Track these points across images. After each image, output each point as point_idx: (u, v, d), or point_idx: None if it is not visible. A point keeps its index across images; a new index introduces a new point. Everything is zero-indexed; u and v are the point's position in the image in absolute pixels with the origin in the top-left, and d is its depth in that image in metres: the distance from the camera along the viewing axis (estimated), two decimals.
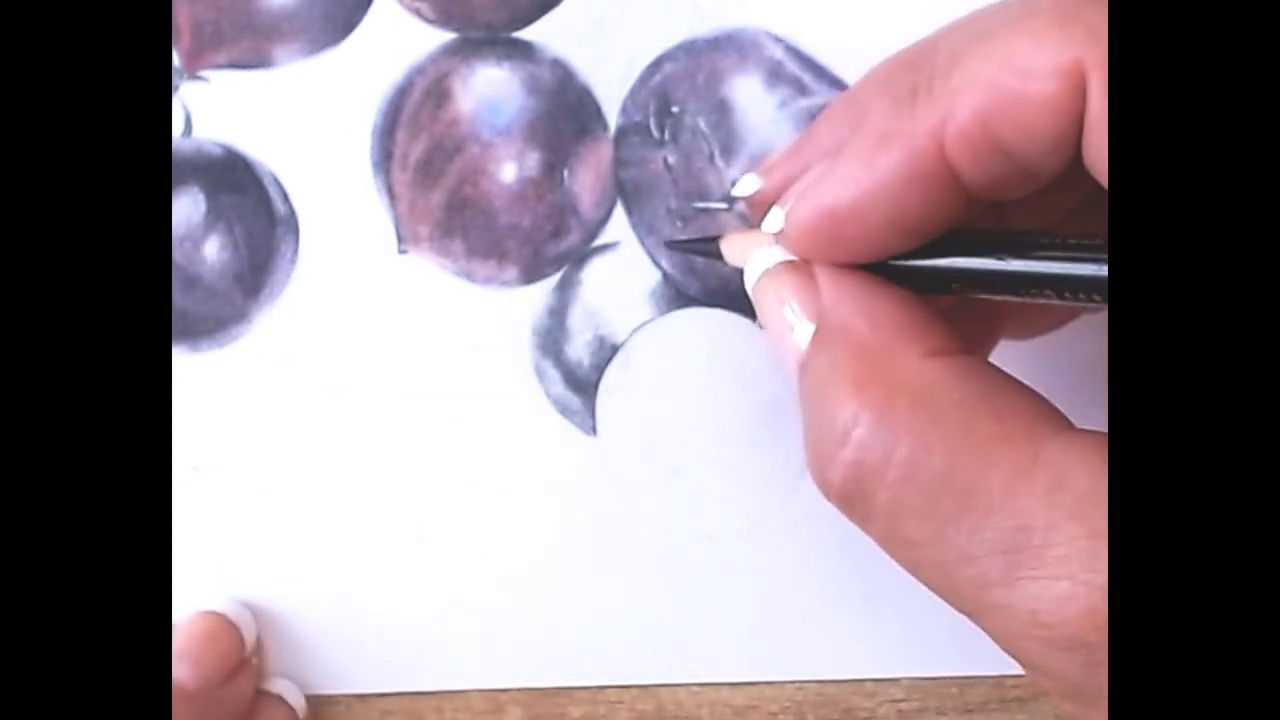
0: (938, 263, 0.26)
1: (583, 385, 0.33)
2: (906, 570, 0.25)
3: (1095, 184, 0.24)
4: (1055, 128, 0.23)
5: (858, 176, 0.25)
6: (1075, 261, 0.24)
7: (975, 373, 0.24)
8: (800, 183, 0.27)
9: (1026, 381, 0.25)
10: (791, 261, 0.27)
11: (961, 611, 0.24)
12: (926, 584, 0.24)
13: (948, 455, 0.23)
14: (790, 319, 0.26)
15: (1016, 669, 0.25)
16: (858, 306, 0.26)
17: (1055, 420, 0.24)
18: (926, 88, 0.25)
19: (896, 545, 0.24)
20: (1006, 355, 0.30)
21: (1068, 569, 0.22)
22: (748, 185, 0.29)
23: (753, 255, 0.28)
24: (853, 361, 0.25)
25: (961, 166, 0.25)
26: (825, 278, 0.26)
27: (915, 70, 0.26)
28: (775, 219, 0.27)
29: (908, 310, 0.25)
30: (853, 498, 0.25)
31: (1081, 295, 0.24)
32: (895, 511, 0.24)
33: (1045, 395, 0.24)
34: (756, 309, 0.28)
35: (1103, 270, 0.23)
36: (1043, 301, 0.25)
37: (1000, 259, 0.25)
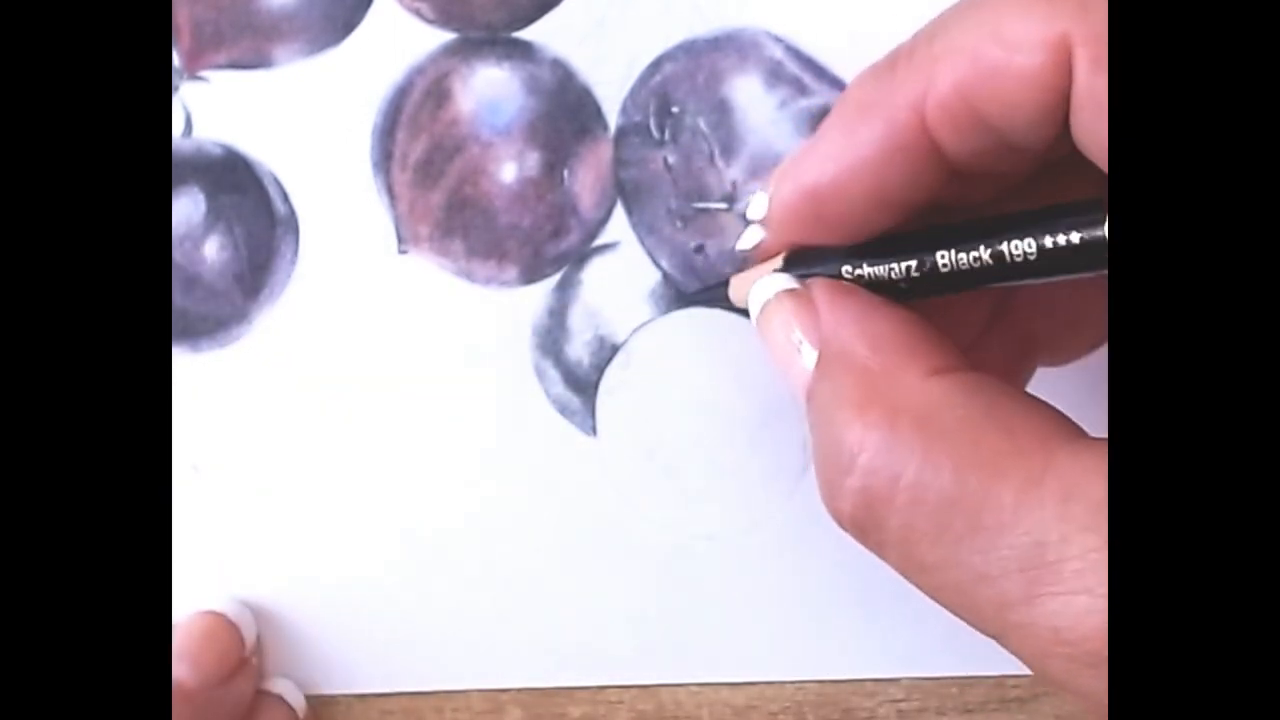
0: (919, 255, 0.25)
1: (583, 385, 0.33)
2: (928, 596, 0.24)
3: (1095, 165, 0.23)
4: (1039, 102, 0.23)
5: (838, 151, 0.25)
6: (1055, 232, 0.23)
7: (979, 388, 0.24)
8: (782, 164, 0.27)
9: (1058, 398, 0.24)
10: (792, 290, 0.27)
11: (986, 634, 0.23)
12: (949, 608, 0.24)
13: (955, 474, 0.23)
14: (794, 347, 0.26)
15: (1016, 669, 0.25)
16: (858, 329, 0.25)
17: (1066, 430, 0.23)
18: (907, 56, 0.24)
19: (914, 570, 0.24)
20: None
21: (1085, 583, 0.21)
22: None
23: (753, 288, 0.27)
24: (855, 386, 0.24)
25: (943, 138, 0.24)
26: (824, 302, 0.26)
27: (899, 49, 0.25)
28: (760, 204, 0.27)
29: (908, 330, 0.25)
30: (865, 525, 0.24)
31: (1063, 263, 0.23)
32: (908, 536, 0.23)
33: (1080, 411, 0.24)
34: (762, 341, 0.27)
35: (1085, 234, 0.23)
36: (1030, 282, 0.24)
37: (978, 242, 0.25)
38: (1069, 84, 0.22)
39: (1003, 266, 0.24)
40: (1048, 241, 0.23)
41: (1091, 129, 0.23)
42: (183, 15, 0.32)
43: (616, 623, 0.33)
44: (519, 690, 0.33)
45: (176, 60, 0.32)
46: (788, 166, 0.26)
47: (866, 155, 0.25)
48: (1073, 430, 0.23)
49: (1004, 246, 0.24)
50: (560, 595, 0.33)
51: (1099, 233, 0.23)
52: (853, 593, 0.33)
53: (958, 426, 0.23)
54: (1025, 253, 0.24)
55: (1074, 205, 0.23)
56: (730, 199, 0.32)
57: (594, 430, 0.33)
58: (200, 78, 0.32)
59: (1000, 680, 0.33)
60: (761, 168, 0.32)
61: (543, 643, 0.33)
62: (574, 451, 0.33)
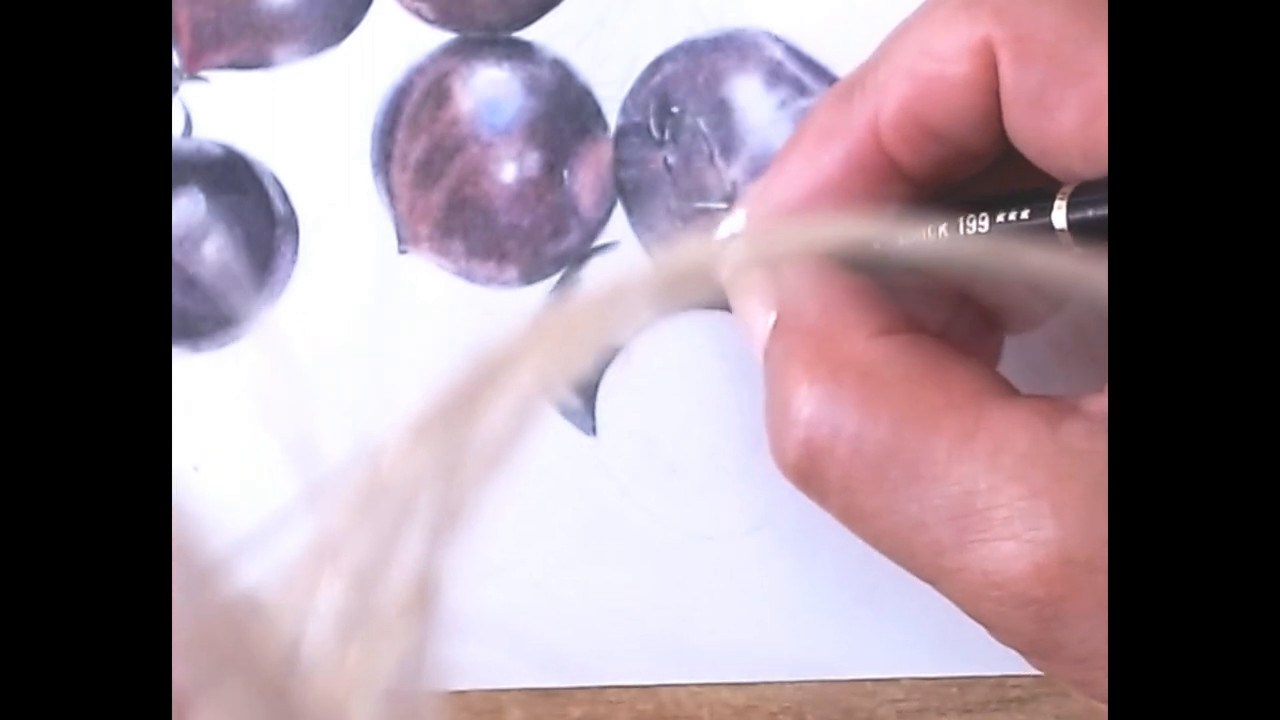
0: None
1: (583, 385, 0.33)
2: (868, 543, 0.25)
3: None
4: (975, 106, 0.25)
5: (803, 174, 0.27)
6: (1007, 210, 0.25)
7: (919, 348, 0.25)
8: (755, 185, 0.29)
9: (1040, 370, 0.25)
10: None
11: (922, 579, 0.25)
12: (887, 554, 0.25)
13: (893, 427, 0.24)
14: (757, 310, 0.28)
15: (1016, 669, 0.25)
16: (811, 293, 0.27)
17: (998, 388, 0.25)
18: (860, 84, 0.26)
19: (854, 519, 0.25)
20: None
21: (1012, 529, 0.23)
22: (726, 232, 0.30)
23: (724, 252, 0.29)
24: (805, 345, 0.26)
25: (898, 154, 0.26)
26: (786, 267, 0.27)
27: (852, 76, 0.27)
28: (737, 221, 0.29)
29: (857, 293, 0.26)
30: (807, 475, 0.26)
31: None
32: (847, 485, 0.25)
33: (1051, 380, 0.25)
34: (730, 302, 0.29)
35: (1036, 215, 0.24)
36: None
37: (939, 218, 0.26)
38: (997, 84, 0.24)
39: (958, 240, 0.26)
40: (999, 217, 0.25)
41: (1019, 123, 0.24)
42: (183, 15, 0.32)
43: (616, 623, 0.33)
44: (519, 690, 0.33)
45: (176, 60, 0.32)
46: (759, 189, 0.28)
47: (830, 176, 0.26)
48: (1004, 387, 0.25)
49: (960, 221, 0.26)
50: (560, 595, 0.33)
51: (1047, 219, 0.24)
52: (853, 593, 0.33)
53: (897, 383, 0.25)
54: (978, 228, 0.25)
55: (1027, 192, 0.25)
56: (730, 199, 0.32)
57: (594, 430, 0.33)
58: (200, 78, 0.32)
59: (1000, 680, 0.33)
60: (761, 168, 0.32)
61: (543, 643, 0.33)
62: (574, 451, 0.33)
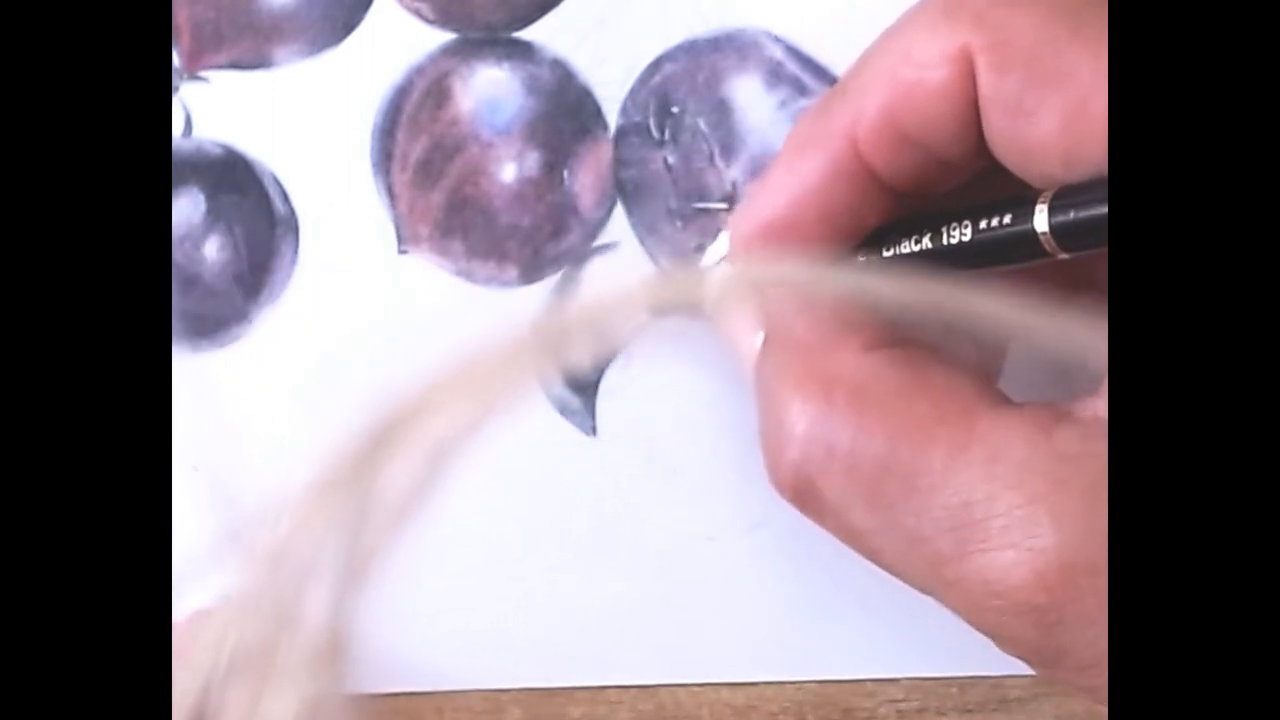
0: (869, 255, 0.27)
1: (583, 385, 0.33)
2: (867, 559, 0.25)
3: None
4: (954, 113, 0.25)
5: (785, 184, 0.27)
6: (990, 217, 0.25)
7: (910, 361, 0.25)
8: (739, 207, 0.29)
9: (1038, 372, 0.25)
10: None
11: (923, 591, 0.25)
12: (887, 569, 0.25)
13: (888, 442, 0.24)
14: (744, 329, 0.28)
15: (1016, 669, 0.25)
16: (799, 310, 0.27)
17: (990, 397, 0.24)
18: (840, 92, 0.26)
19: (852, 536, 0.25)
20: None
21: (1010, 538, 0.23)
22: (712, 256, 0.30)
23: (708, 272, 0.29)
24: (795, 362, 0.26)
25: (877, 161, 0.26)
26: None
27: (834, 87, 0.27)
28: (721, 245, 0.29)
29: (845, 309, 0.26)
30: (804, 495, 0.26)
31: (999, 250, 0.25)
32: (845, 503, 0.25)
33: (1046, 384, 0.25)
34: (717, 325, 0.29)
35: (1018, 222, 0.24)
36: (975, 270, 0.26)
37: (923, 230, 0.26)
38: (976, 92, 0.24)
39: (941, 249, 0.26)
40: (981, 224, 0.25)
41: (998, 129, 0.24)
42: (183, 15, 0.32)
43: (616, 623, 0.33)
44: (519, 690, 0.33)
45: (176, 60, 0.32)
46: (743, 208, 0.28)
47: (810, 185, 0.26)
48: (996, 397, 0.25)
49: (943, 230, 0.26)
50: (560, 595, 0.33)
51: (1029, 224, 0.24)
52: (853, 593, 0.33)
53: (889, 397, 0.25)
54: (960, 236, 0.25)
55: (1008, 199, 0.25)
56: (730, 199, 0.32)
57: (594, 430, 0.33)
58: (200, 78, 0.32)
59: (1000, 680, 0.33)
60: (761, 168, 0.32)
61: (543, 643, 0.33)
62: (574, 451, 0.33)
